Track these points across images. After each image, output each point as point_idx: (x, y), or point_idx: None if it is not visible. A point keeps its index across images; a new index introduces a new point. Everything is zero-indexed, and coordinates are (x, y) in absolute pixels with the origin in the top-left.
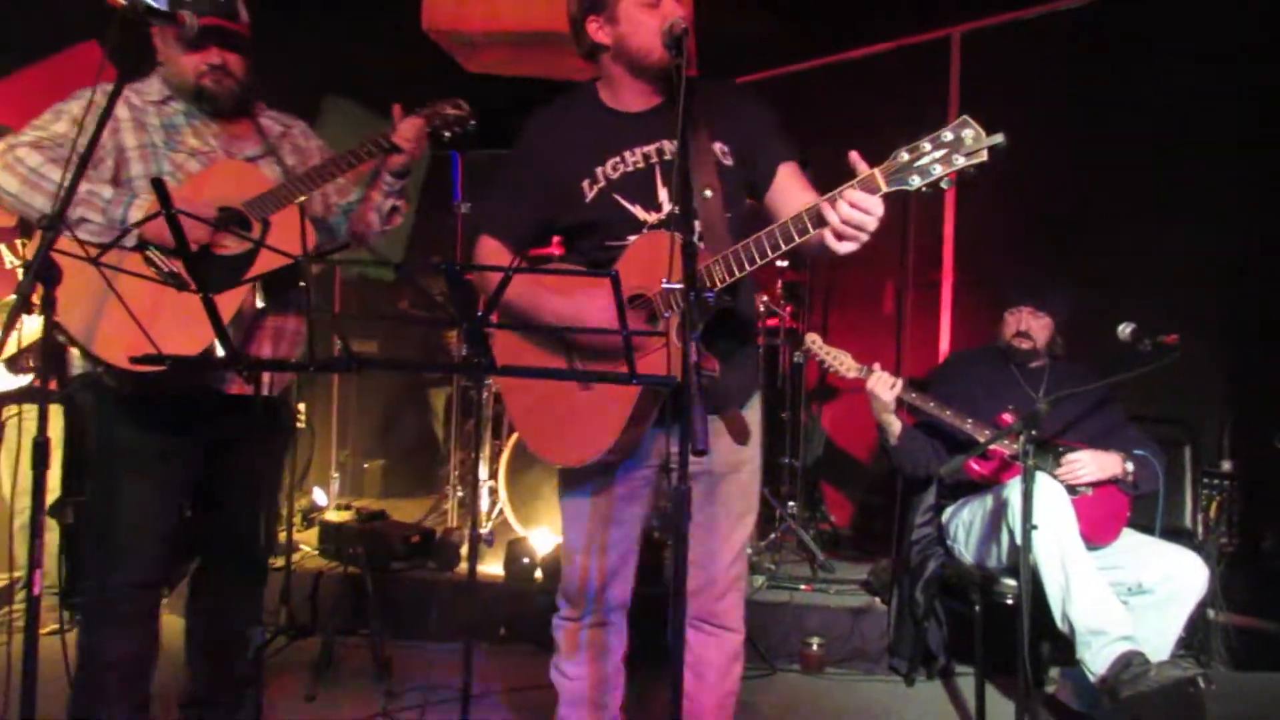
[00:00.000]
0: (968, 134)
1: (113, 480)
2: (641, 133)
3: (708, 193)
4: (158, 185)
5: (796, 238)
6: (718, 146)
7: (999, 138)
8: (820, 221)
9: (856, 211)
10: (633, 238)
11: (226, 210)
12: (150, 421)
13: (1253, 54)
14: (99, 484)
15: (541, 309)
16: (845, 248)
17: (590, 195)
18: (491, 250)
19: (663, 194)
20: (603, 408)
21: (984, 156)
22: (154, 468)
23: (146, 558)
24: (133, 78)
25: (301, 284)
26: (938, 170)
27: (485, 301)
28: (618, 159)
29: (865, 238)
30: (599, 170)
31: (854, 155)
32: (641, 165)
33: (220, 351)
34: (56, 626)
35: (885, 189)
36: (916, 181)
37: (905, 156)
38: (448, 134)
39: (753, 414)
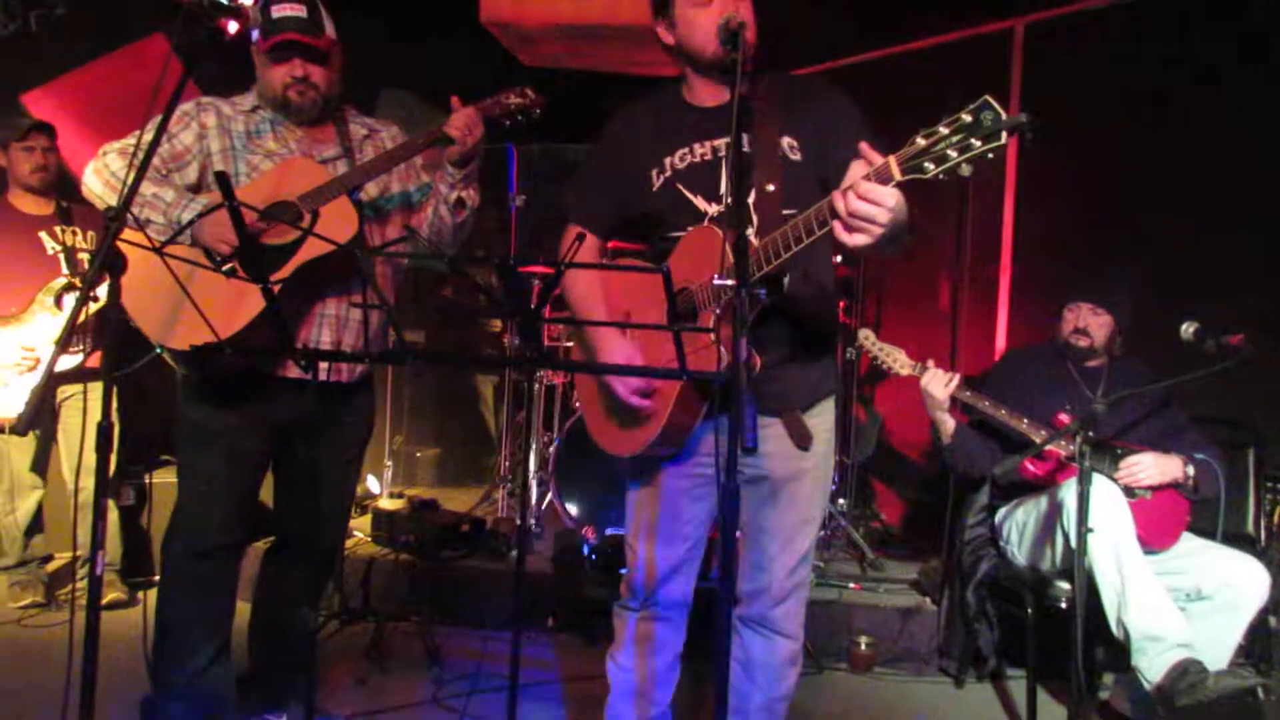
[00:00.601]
0: (986, 115)
1: (185, 453)
2: (712, 127)
3: (770, 187)
4: (220, 177)
5: (817, 229)
6: (785, 141)
7: (1021, 117)
8: (835, 214)
9: (864, 204)
10: (692, 229)
11: (280, 203)
12: (215, 399)
13: None
14: (178, 456)
15: (597, 311)
16: (856, 240)
17: (657, 184)
18: (576, 239)
19: (725, 187)
20: (629, 404)
21: (1002, 140)
22: (223, 439)
23: (222, 520)
24: (197, 75)
25: (365, 275)
26: (954, 156)
27: (562, 294)
28: (686, 150)
29: (877, 230)
30: (667, 160)
31: (863, 145)
32: (709, 158)
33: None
34: (119, 595)
35: (899, 178)
36: (932, 168)
37: (921, 142)
38: (509, 122)
39: (819, 420)
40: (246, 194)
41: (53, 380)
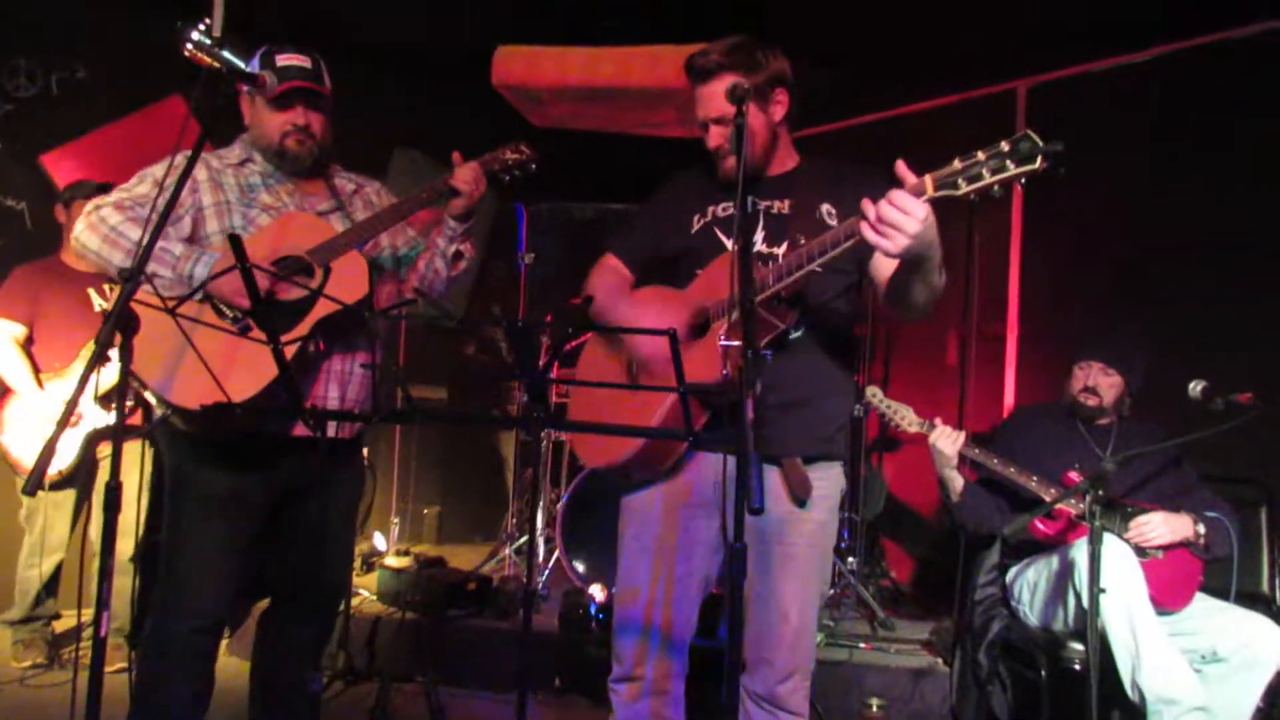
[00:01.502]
0: (1024, 145)
1: (181, 522)
2: (762, 188)
3: (802, 240)
4: (234, 240)
5: (844, 240)
6: (825, 207)
7: (1058, 145)
8: (859, 223)
9: (894, 210)
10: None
11: (289, 259)
12: (220, 464)
13: None
14: (169, 525)
15: (614, 311)
16: (884, 244)
17: (695, 227)
18: (607, 266)
19: (759, 235)
20: (637, 414)
21: (1036, 164)
22: (221, 511)
23: (208, 601)
24: (214, 137)
25: (371, 335)
26: (987, 175)
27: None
28: (729, 204)
29: (904, 241)
30: (710, 209)
31: (900, 164)
32: (749, 210)
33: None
34: (124, 665)
35: (932, 193)
36: (964, 186)
37: (957, 164)
38: (507, 177)
39: (824, 483)
40: (249, 248)
41: (94, 438)
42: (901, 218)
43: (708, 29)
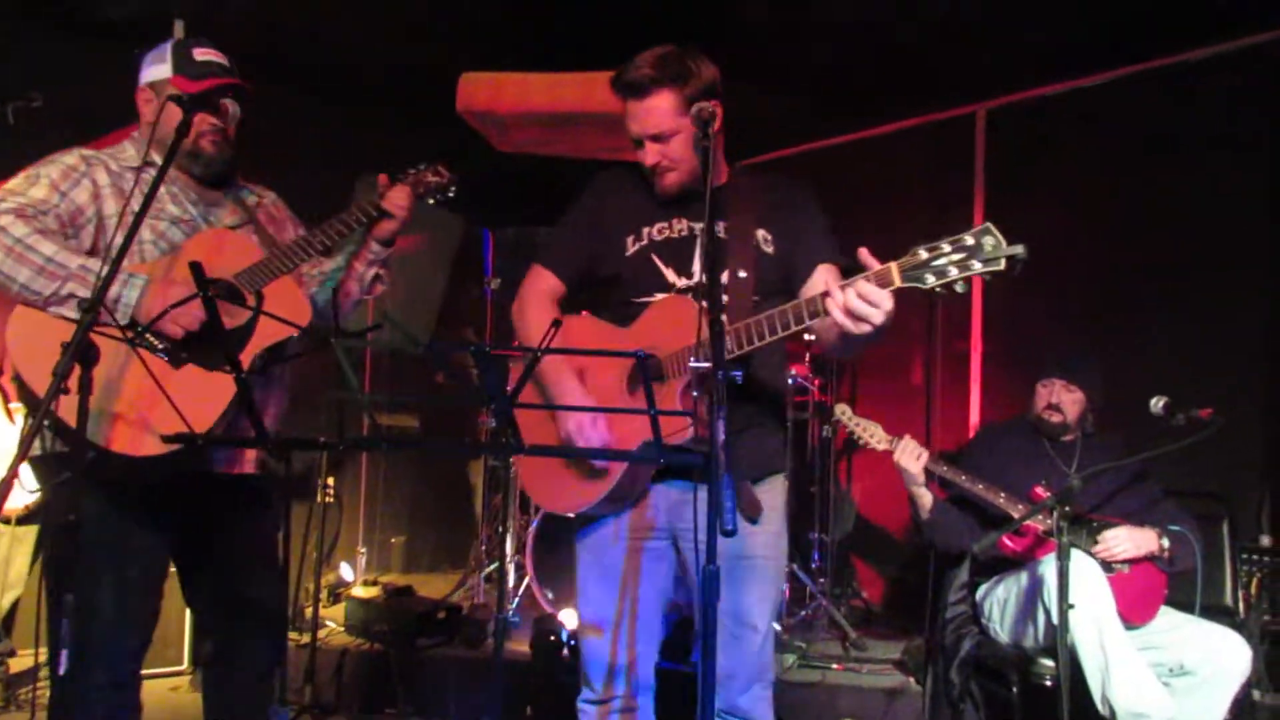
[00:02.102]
0: (988, 241)
1: (92, 573)
2: (696, 209)
3: (742, 274)
4: (196, 269)
5: (807, 318)
6: (760, 233)
7: (1019, 249)
8: (826, 303)
9: (862, 303)
10: (659, 295)
11: (219, 282)
12: (123, 510)
13: (1277, 124)
14: (79, 576)
15: (547, 373)
16: (851, 329)
17: (631, 250)
18: (538, 280)
19: (697, 265)
20: (590, 472)
21: (1001, 265)
22: (140, 553)
23: (142, 642)
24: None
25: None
26: (953, 273)
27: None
28: (665, 225)
29: (869, 329)
30: (645, 230)
31: (863, 252)
32: (685, 234)
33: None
34: None
35: (899, 284)
36: (931, 280)
37: (923, 254)
38: (431, 200)
39: (769, 495)
40: (171, 269)
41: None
42: (869, 310)
43: None
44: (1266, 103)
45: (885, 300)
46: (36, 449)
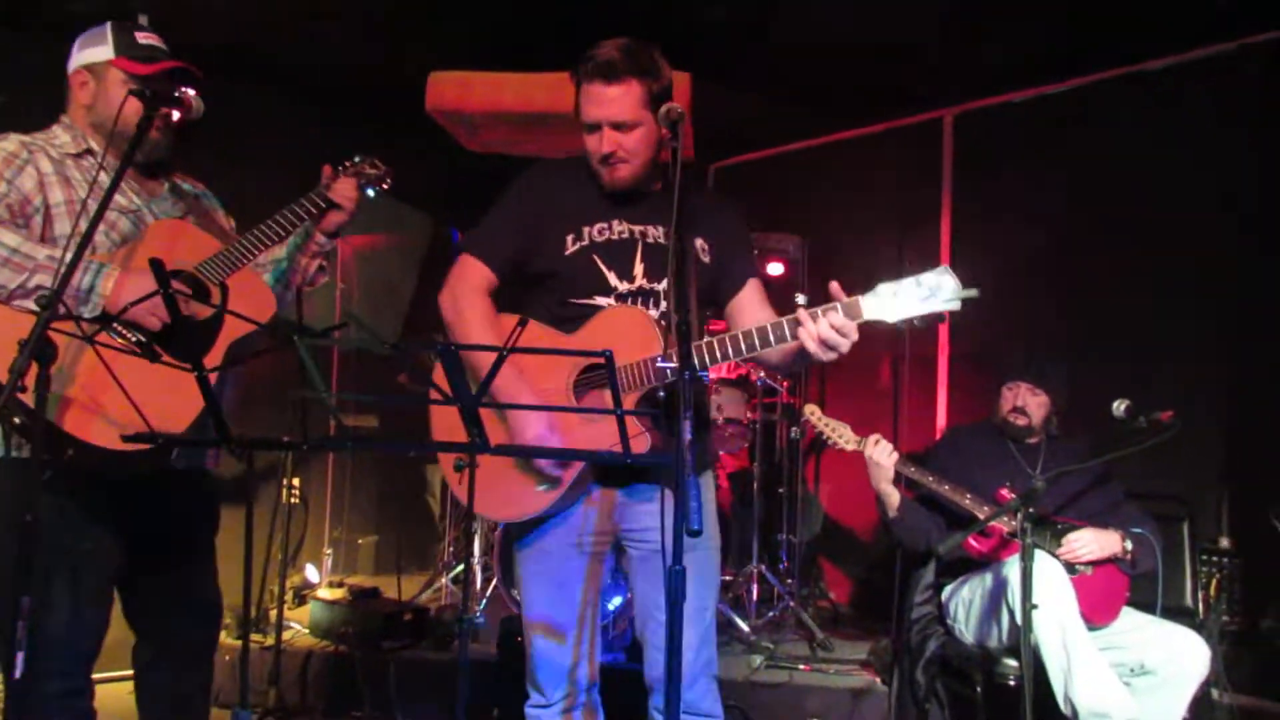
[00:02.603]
0: (946, 282)
1: (50, 577)
2: (634, 211)
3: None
4: (156, 266)
5: (774, 341)
6: (699, 242)
7: (973, 292)
8: (795, 329)
9: (834, 333)
10: (600, 299)
11: (181, 274)
12: (83, 512)
13: (1236, 134)
14: (35, 582)
15: (511, 391)
16: (820, 357)
17: (570, 249)
18: (468, 270)
19: (639, 268)
20: (541, 467)
21: (956, 306)
22: (85, 563)
23: (96, 648)
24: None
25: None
26: (914, 311)
27: (469, 368)
28: (605, 225)
29: (835, 356)
30: (585, 230)
31: (834, 285)
32: (626, 237)
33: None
34: None
35: (864, 318)
36: (892, 318)
37: (884, 292)
38: (371, 192)
39: (706, 489)
40: (129, 259)
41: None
42: (840, 340)
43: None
44: (1228, 111)
45: (853, 332)
46: None
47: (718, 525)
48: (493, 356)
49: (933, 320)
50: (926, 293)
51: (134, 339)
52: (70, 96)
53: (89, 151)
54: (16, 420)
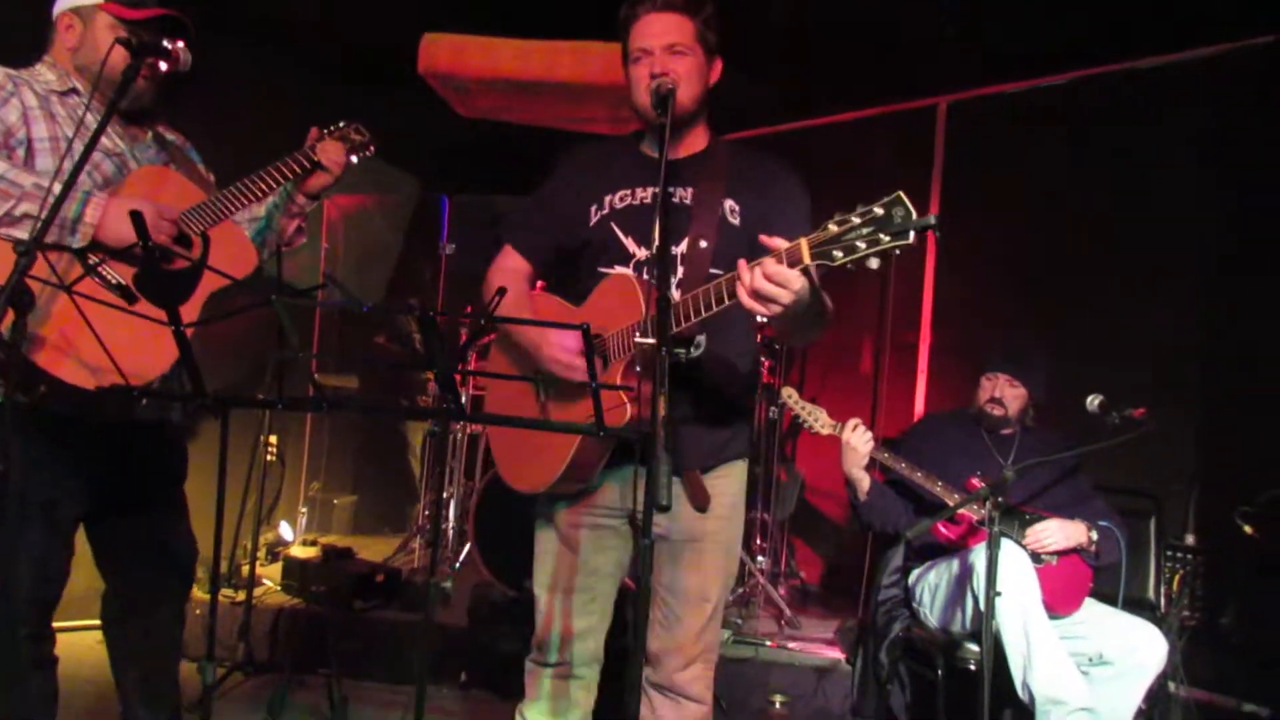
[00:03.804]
0: (897, 211)
1: (15, 525)
2: (659, 176)
3: (702, 243)
4: (136, 218)
5: (727, 299)
6: (729, 204)
7: (930, 219)
8: (734, 285)
9: (768, 284)
10: (620, 267)
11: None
12: (51, 457)
13: (1223, 135)
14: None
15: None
16: (760, 310)
17: (593, 220)
18: (506, 263)
19: (659, 233)
20: (552, 441)
21: (910, 239)
22: (53, 511)
23: (58, 595)
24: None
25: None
26: (861, 248)
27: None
28: (627, 193)
29: (778, 309)
30: (607, 199)
31: (767, 239)
32: (649, 202)
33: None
34: None
35: (808, 262)
36: (840, 257)
37: (833, 229)
38: (354, 158)
39: (724, 482)
40: (113, 205)
41: None
42: (776, 290)
43: None
44: (1217, 111)
45: (793, 280)
46: None
47: (738, 523)
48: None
49: (888, 255)
50: (874, 225)
51: (114, 281)
52: (55, 38)
53: (74, 90)
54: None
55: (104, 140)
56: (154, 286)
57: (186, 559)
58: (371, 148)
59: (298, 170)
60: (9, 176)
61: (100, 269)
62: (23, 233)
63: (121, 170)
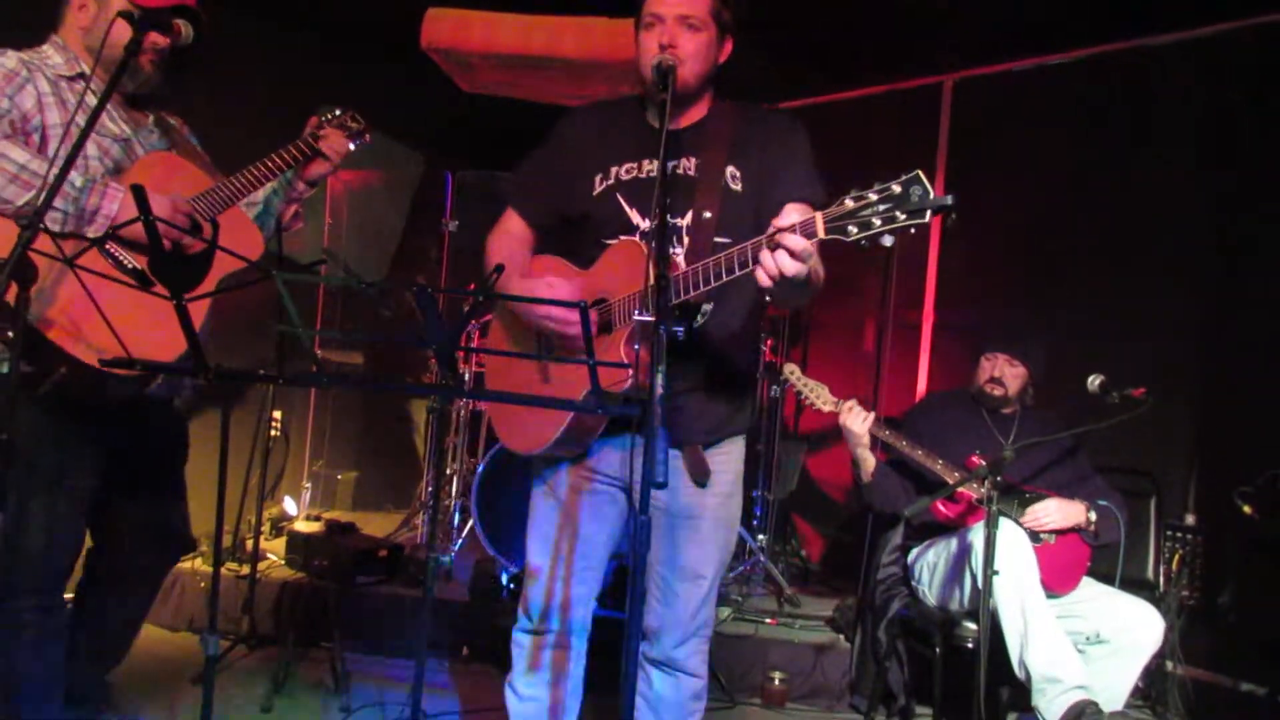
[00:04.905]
0: (915, 190)
1: (27, 495)
2: (672, 146)
3: (706, 214)
4: (138, 191)
5: (738, 270)
6: (730, 170)
7: (947, 199)
8: (759, 252)
9: (791, 261)
10: (625, 238)
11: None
12: (67, 431)
13: (1228, 114)
14: (13, 498)
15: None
16: (767, 284)
17: (598, 189)
18: (508, 226)
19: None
20: (554, 397)
21: (926, 218)
22: (67, 480)
23: (71, 564)
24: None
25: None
26: (877, 224)
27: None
28: (633, 165)
29: (787, 281)
30: (613, 169)
31: (788, 206)
32: (654, 175)
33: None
34: None
35: (823, 236)
36: (855, 232)
37: (849, 204)
38: (353, 145)
39: (724, 457)
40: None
41: None
42: (794, 266)
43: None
44: (1223, 92)
45: (811, 252)
46: None
47: (738, 499)
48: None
49: (902, 233)
50: (891, 203)
51: (129, 265)
52: (66, 16)
53: (81, 75)
54: (11, 334)
55: (110, 125)
56: (169, 271)
57: (179, 541)
58: (368, 135)
59: (299, 157)
60: (30, 167)
61: (116, 254)
62: (49, 224)
63: (129, 155)
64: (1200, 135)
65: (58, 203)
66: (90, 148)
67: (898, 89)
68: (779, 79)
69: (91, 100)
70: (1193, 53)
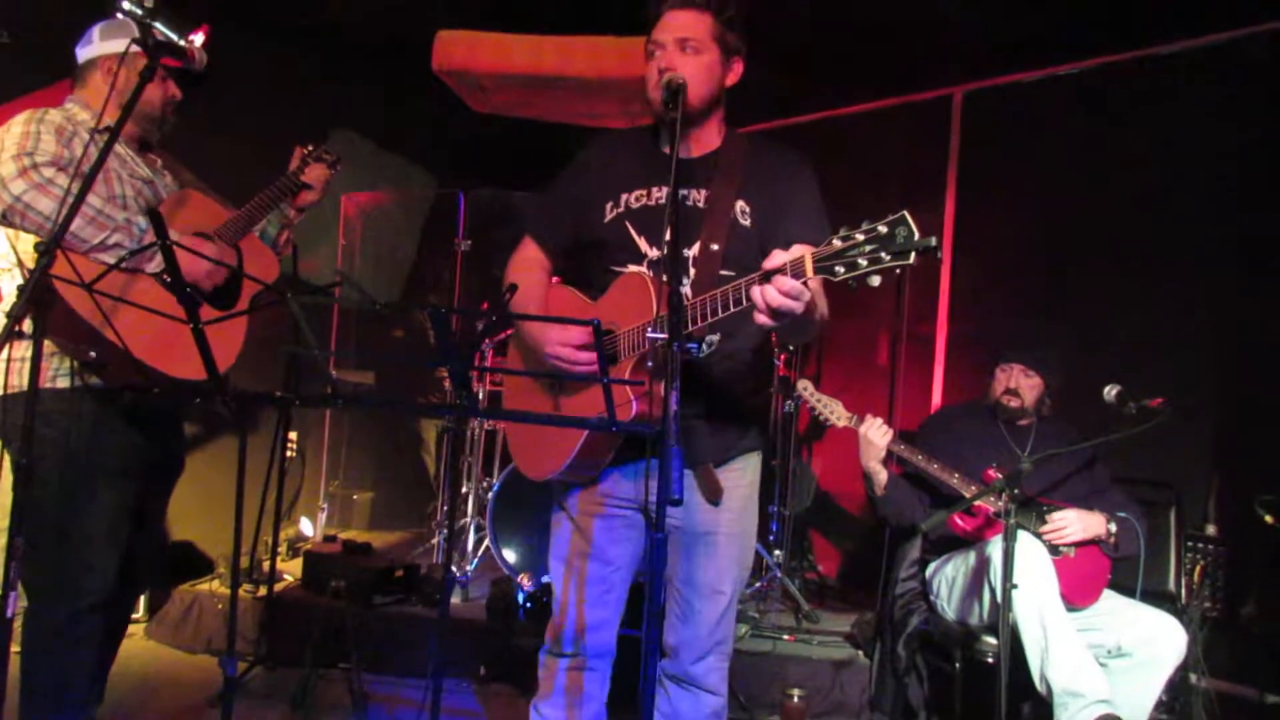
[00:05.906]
0: (900, 231)
1: (78, 496)
2: (684, 175)
3: (714, 246)
4: (154, 216)
5: (731, 307)
6: (740, 205)
7: (931, 240)
8: (750, 292)
9: (783, 299)
10: (633, 266)
11: (202, 237)
12: (118, 435)
13: (1243, 121)
14: (61, 500)
15: (534, 329)
16: (768, 324)
17: (608, 217)
18: (526, 253)
19: (669, 233)
20: (563, 430)
21: (911, 260)
22: (117, 481)
23: (107, 577)
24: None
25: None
26: (863, 264)
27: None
28: (643, 192)
29: (785, 319)
30: (623, 196)
31: (776, 255)
32: (664, 203)
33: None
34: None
35: (811, 275)
36: (842, 273)
37: (837, 244)
38: (332, 174)
39: (737, 475)
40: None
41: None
42: (790, 304)
43: None
44: (1235, 100)
45: (803, 293)
46: (64, 383)
47: (752, 515)
48: (540, 326)
49: (888, 274)
50: (877, 244)
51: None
52: (87, 80)
53: (108, 129)
54: (93, 355)
55: (138, 169)
56: (212, 294)
57: (158, 550)
58: (339, 165)
59: (291, 190)
60: (105, 211)
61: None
62: (110, 258)
63: (155, 194)
64: (1216, 142)
65: (126, 241)
66: (127, 189)
67: (908, 102)
68: (791, 93)
69: (121, 151)
70: (1207, 59)
